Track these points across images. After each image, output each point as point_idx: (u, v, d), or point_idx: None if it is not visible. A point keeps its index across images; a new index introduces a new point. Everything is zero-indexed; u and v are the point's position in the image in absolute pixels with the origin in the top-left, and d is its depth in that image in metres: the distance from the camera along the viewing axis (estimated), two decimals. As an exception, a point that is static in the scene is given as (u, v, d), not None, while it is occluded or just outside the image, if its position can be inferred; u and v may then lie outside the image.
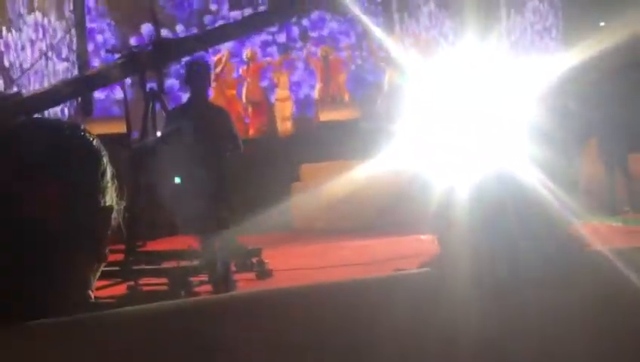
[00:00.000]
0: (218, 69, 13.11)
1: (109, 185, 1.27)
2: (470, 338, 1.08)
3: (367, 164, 11.26)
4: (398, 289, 1.14)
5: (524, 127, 1.26)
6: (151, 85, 7.33)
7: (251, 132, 12.93)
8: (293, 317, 1.08)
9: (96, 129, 7.94)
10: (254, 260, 7.56)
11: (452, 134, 1.26)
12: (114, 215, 1.27)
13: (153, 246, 7.93)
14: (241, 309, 1.09)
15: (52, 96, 7.05)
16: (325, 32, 15.02)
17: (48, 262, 1.18)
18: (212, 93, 12.76)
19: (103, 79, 7.29)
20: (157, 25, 7.84)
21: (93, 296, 1.25)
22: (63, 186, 1.19)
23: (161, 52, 7.12)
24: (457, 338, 1.09)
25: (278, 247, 8.80)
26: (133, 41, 12.92)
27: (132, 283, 6.75)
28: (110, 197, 1.26)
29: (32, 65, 11.99)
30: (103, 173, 1.26)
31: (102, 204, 1.25)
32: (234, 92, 13.32)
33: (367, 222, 10.37)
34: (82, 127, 1.31)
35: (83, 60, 13.18)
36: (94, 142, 1.27)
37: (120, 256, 6.92)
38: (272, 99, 13.51)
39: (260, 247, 7.62)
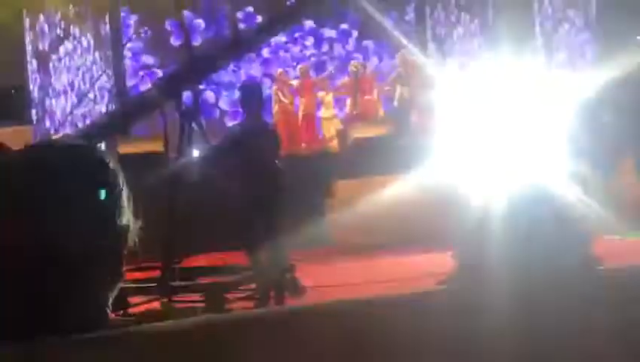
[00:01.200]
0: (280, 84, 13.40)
1: (126, 205, 1.29)
2: (506, 350, 1.08)
3: (404, 179, 11.28)
4: (430, 304, 1.15)
5: (560, 141, 1.26)
6: (186, 104, 7.41)
7: (304, 145, 13.07)
8: (309, 340, 1.08)
9: (130, 148, 8.06)
10: (288, 276, 7.56)
11: (488, 147, 1.26)
12: (130, 234, 1.29)
13: (190, 263, 7.96)
14: (257, 328, 1.09)
15: (100, 132, 7.26)
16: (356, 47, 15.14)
17: (65, 280, 1.20)
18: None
19: (146, 108, 7.41)
20: (187, 35, 7.83)
21: (110, 313, 1.27)
22: (81, 207, 1.22)
23: (197, 69, 7.22)
24: (495, 349, 1.09)
25: (313, 263, 8.79)
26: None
27: (165, 299, 6.77)
28: (127, 218, 1.28)
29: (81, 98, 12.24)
30: (120, 194, 1.28)
31: (119, 224, 1.27)
32: (291, 106, 13.53)
33: (405, 238, 10.32)
34: (100, 149, 1.35)
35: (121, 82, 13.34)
36: (111, 164, 1.29)
37: (157, 273, 6.98)
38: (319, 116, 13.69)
39: (293, 264, 7.61)
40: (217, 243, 9.21)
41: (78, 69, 13.16)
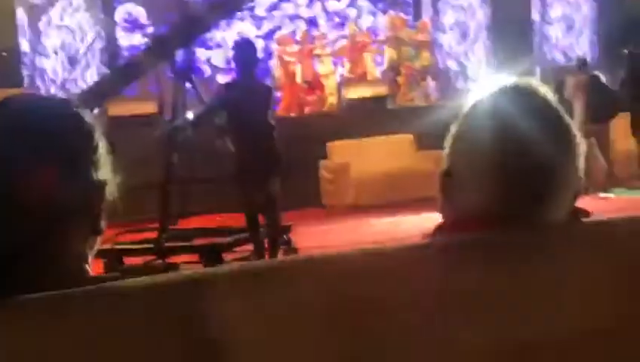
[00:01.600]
0: (282, 47, 13.36)
1: (103, 159, 1.27)
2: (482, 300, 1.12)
3: (396, 141, 11.36)
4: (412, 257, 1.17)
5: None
6: (179, 63, 7.40)
7: (307, 110, 13.05)
8: (301, 290, 1.07)
9: (125, 109, 8.06)
10: (284, 237, 7.64)
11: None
12: (109, 188, 1.27)
13: (185, 224, 8.02)
14: (243, 282, 1.08)
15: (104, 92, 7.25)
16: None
17: (43, 236, 1.18)
18: (275, 70, 12.93)
19: (139, 70, 7.38)
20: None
21: (90, 270, 1.25)
22: (56, 160, 1.20)
23: (188, 29, 7.21)
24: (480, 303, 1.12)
25: (307, 224, 8.86)
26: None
27: (160, 260, 6.82)
28: (105, 172, 1.26)
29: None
30: (96, 148, 1.26)
31: (95, 178, 1.25)
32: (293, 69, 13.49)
33: (396, 199, 10.40)
34: (74, 102, 1.32)
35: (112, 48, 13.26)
36: (87, 118, 1.27)
37: (154, 234, 7.04)
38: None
39: (290, 224, 7.67)
40: (212, 204, 9.28)
41: (68, 28, 13.09)
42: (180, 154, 7.22)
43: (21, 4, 12.56)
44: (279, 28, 14.14)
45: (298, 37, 13.50)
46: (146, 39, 12.52)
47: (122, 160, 1.31)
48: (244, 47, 7.11)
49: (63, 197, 1.19)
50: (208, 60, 14.45)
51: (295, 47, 13.43)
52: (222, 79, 13.49)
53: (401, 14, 14.28)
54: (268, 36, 14.06)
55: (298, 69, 13.23)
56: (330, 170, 11.03)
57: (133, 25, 13.35)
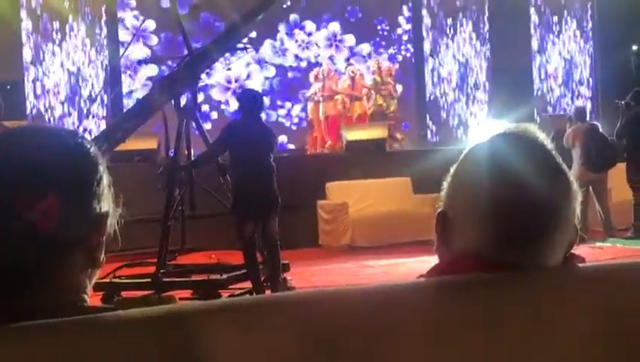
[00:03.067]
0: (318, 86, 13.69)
1: (106, 192, 1.26)
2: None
3: (394, 183, 11.40)
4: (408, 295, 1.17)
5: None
6: (185, 102, 7.49)
7: (328, 146, 13.34)
8: (293, 326, 1.09)
9: (128, 143, 8.11)
10: (282, 276, 7.65)
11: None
12: (110, 221, 1.26)
13: (184, 259, 8.04)
14: (236, 316, 1.09)
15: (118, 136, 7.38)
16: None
17: (43, 265, 1.18)
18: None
19: (152, 108, 7.49)
20: (185, 36, 7.88)
21: (88, 300, 1.25)
22: (59, 191, 1.19)
23: (195, 65, 7.32)
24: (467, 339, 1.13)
25: (303, 264, 8.87)
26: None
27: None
28: (106, 204, 1.26)
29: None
30: (100, 180, 1.25)
31: (97, 211, 1.24)
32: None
33: (393, 241, 10.42)
34: (80, 134, 1.31)
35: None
36: (92, 149, 1.27)
37: (152, 269, 7.07)
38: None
39: (287, 262, 7.70)
40: (212, 240, 9.32)
41: (75, 68, 13.27)
42: (181, 190, 7.29)
43: (28, 42, 12.73)
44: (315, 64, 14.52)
45: (320, 74, 13.87)
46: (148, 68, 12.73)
47: (123, 194, 1.31)
48: (250, 97, 7.25)
49: (64, 227, 1.18)
50: (212, 99, 14.63)
51: (318, 85, 13.79)
52: (223, 118, 13.67)
53: (388, 63, 14.59)
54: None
55: (321, 107, 13.65)
56: (328, 210, 11.06)
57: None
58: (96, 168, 1.26)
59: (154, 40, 14.36)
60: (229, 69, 14.37)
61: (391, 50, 15.67)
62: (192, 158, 7.52)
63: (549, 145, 1.33)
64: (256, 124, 7.04)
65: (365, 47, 15.55)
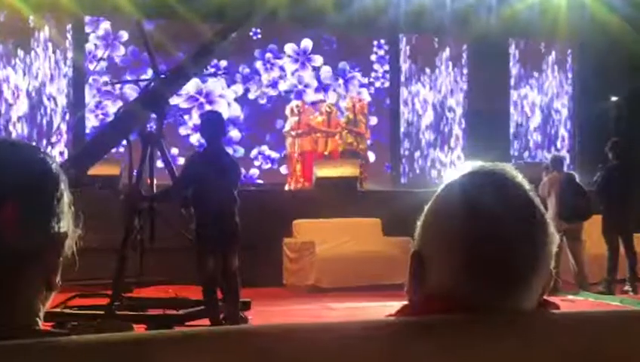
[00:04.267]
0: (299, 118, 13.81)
1: (66, 210, 1.24)
2: None
3: (363, 224, 11.40)
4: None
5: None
6: (149, 127, 7.48)
7: (307, 184, 13.35)
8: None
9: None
10: (241, 314, 7.60)
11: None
12: (68, 242, 1.24)
13: (141, 292, 7.96)
14: (193, 346, 1.08)
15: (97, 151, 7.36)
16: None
17: None
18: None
19: (129, 125, 7.47)
20: (152, 56, 7.89)
21: (41, 324, 1.23)
22: (18, 203, 1.17)
23: (173, 81, 7.34)
24: None
25: (265, 304, 8.81)
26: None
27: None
28: (66, 224, 1.23)
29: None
30: (60, 198, 1.23)
31: (56, 229, 1.22)
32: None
33: (361, 284, 10.39)
34: (42, 150, 1.30)
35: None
36: (53, 166, 1.25)
37: (106, 300, 6.97)
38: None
39: (249, 300, 7.65)
40: (171, 274, 9.23)
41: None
42: (141, 220, 7.24)
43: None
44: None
45: (295, 109, 13.96)
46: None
47: (82, 219, 1.28)
48: (211, 120, 7.22)
49: (22, 241, 1.16)
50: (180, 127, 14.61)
51: (294, 119, 13.86)
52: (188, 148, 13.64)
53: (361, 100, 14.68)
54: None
55: (297, 142, 13.67)
56: (294, 248, 11.03)
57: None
58: (57, 185, 1.23)
59: (121, 50, 14.37)
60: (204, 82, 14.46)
61: (364, 80, 15.79)
62: (155, 190, 7.48)
63: (526, 185, 1.32)
64: (221, 156, 7.03)
65: (328, 70, 15.61)
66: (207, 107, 14.45)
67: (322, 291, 10.34)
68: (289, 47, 15.47)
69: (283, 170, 14.68)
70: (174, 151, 13.42)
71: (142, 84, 9.94)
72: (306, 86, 15.47)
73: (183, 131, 14.70)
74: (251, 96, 15.22)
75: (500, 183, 1.30)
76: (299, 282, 10.77)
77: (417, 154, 15.81)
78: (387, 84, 15.85)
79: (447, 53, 15.92)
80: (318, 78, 15.58)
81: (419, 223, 1.34)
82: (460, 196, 1.29)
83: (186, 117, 14.74)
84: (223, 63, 14.50)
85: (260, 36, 15.21)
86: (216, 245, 6.85)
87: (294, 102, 14.28)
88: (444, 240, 1.28)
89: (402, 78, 15.86)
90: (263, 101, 15.27)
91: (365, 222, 11.47)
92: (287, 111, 14.11)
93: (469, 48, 15.89)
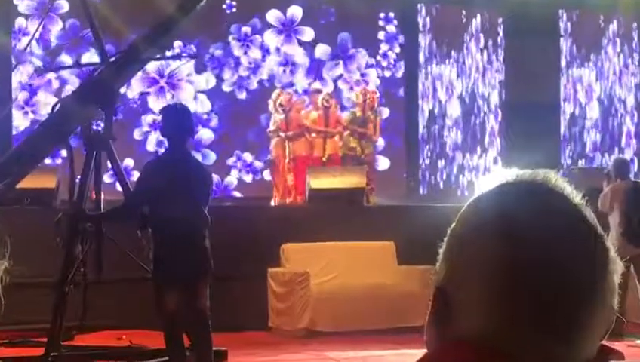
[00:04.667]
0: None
1: None
2: None
3: (372, 249, 11.40)
4: None
5: None
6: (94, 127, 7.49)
7: (299, 197, 13.44)
8: None
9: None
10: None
11: None
12: None
13: (84, 340, 7.97)
14: None
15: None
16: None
17: None
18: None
19: (71, 121, 7.51)
20: (101, 42, 7.92)
21: None
22: None
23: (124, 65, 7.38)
24: None
25: (245, 352, 8.82)
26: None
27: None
28: None
29: None
30: None
31: None
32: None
33: (367, 326, 10.41)
34: None
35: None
36: None
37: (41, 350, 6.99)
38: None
39: (225, 349, 7.65)
40: (123, 315, 9.24)
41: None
42: (85, 246, 7.25)
43: None
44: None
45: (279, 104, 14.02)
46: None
47: (8, 246, 1.29)
48: (174, 113, 7.21)
49: None
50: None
51: (279, 117, 13.91)
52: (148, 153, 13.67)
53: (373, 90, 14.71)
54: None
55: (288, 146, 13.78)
56: (282, 281, 11.01)
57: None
58: None
59: (58, 25, 14.42)
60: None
61: (370, 60, 15.85)
62: (103, 207, 7.50)
63: (578, 198, 1.33)
64: (185, 161, 7.03)
65: (324, 49, 15.67)
66: (169, 94, 14.48)
67: (318, 336, 10.34)
68: (272, 15, 15.51)
69: (267, 177, 14.70)
70: (128, 162, 13.47)
71: (83, 69, 9.97)
72: (293, 65, 15.49)
73: (137, 134, 14.75)
74: (226, 87, 15.25)
75: (544, 197, 1.30)
76: (288, 324, 10.76)
77: (440, 158, 15.86)
78: (401, 72, 15.90)
79: (477, 26, 15.99)
80: (311, 59, 15.62)
81: (442, 248, 1.34)
82: (498, 213, 1.29)
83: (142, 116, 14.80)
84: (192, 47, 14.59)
85: (234, 9, 15.26)
86: (181, 277, 6.82)
87: (279, 93, 14.23)
88: (476, 270, 1.27)
89: (421, 60, 15.91)
90: (241, 95, 15.31)
91: (374, 246, 11.46)
92: (271, 106, 14.08)
93: (505, 22, 15.95)
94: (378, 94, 14.61)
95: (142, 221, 7.12)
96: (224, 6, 14.96)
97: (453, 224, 1.34)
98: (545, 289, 1.24)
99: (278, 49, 15.50)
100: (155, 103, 14.44)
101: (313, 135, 13.91)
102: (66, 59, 14.17)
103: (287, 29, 15.52)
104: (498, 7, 15.75)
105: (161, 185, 6.81)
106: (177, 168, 6.91)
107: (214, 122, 15.21)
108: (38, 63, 13.86)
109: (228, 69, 15.30)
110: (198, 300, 6.90)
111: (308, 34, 15.59)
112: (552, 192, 1.31)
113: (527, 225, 1.26)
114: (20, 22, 14.32)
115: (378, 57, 15.84)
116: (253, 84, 15.37)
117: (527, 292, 1.24)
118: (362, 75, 15.59)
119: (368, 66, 15.76)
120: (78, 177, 7.49)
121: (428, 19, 15.98)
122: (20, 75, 14.14)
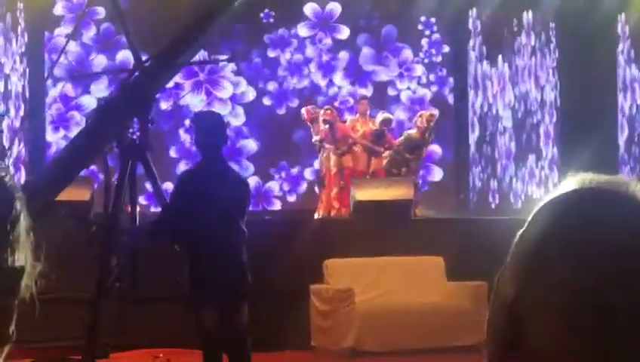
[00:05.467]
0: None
1: (23, 239, 1.24)
2: None
3: (420, 265, 11.37)
4: None
5: None
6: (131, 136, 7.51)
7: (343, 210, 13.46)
8: None
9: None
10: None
11: None
12: (26, 281, 1.24)
13: (120, 358, 8.01)
14: None
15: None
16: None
17: None
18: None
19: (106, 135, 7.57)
20: (134, 47, 7.95)
21: None
22: None
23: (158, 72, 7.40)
24: None
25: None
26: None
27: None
28: (23, 256, 1.24)
29: None
30: (15, 222, 1.24)
31: (9, 263, 1.22)
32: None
33: (415, 346, 10.37)
34: None
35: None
36: (7, 178, 1.25)
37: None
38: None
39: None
40: (160, 333, 9.26)
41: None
42: (121, 260, 7.26)
43: None
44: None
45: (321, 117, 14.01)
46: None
47: (44, 250, 1.28)
48: (207, 121, 7.22)
49: None
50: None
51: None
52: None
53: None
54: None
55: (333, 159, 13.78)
56: (326, 298, 11.00)
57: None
58: (10, 204, 1.24)
59: (92, 30, 14.57)
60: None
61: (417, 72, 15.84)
62: (139, 220, 7.51)
63: None
64: (221, 172, 7.04)
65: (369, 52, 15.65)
66: (204, 99, 14.50)
67: (363, 356, 10.32)
68: (309, 8, 15.58)
69: (304, 189, 14.68)
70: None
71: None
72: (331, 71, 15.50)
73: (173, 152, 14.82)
74: (266, 101, 15.33)
75: (632, 205, 1.24)
76: (332, 344, 10.75)
77: (492, 167, 15.80)
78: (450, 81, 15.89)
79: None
80: (351, 63, 15.67)
81: (511, 261, 1.29)
82: (580, 221, 1.23)
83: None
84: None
85: (272, 19, 15.35)
86: (220, 296, 6.83)
87: (324, 110, 14.16)
88: (556, 288, 1.21)
89: (470, 67, 15.87)
90: (281, 112, 15.35)
91: (422, 261, 11.43)
92: (304, 117, 14.14)
93: (558, 23, 15.85)
94: (437, 114, 14.57)
95: (178, 235, 7.13)
96: (261, 15, 15.03)
97: (526, 233, 1.28)
98: (632, 312, 1.18)
99: (320, 55, 15.59)
100: (190, 100, 14.51)
101: (356, 148, 13.92)
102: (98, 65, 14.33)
103: (323, 26, 15.66)
104: (548, 12, 15.67)
105: (196, 199, 6.82)
106: (213, 182, 6.90)
107: (253, 133, 15.27)
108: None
109: (264, 79, 15.39)
110: (237, 319, 6.92)
111: (344, 32, 15.73)
112: (633, 199, 1.26)
113: (611, 234, 1.20)
114: (57, 31, 14.47)
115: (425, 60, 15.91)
116: (293, 94, 15.46)
117: (610, 314, 1.19)
118: (407, 69, 15.62)
119: (415, 62, 15.85)
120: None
121: (477, 22, 15.96)
122: (54, 90, 14.30)
